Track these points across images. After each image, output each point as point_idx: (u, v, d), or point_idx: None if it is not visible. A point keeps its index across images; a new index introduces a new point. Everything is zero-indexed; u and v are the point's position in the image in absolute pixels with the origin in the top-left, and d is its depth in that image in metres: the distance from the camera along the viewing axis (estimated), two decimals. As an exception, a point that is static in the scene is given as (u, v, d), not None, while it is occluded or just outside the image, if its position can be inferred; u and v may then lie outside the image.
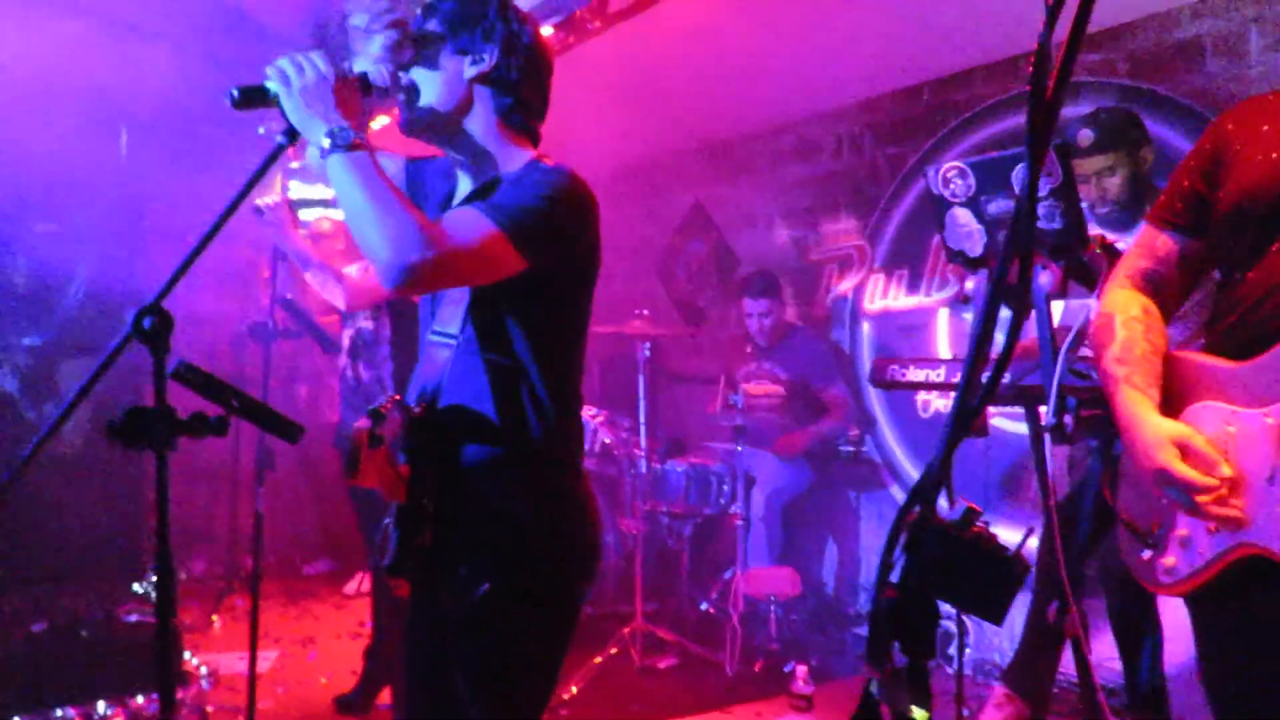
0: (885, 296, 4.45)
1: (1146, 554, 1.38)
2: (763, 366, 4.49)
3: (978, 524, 0.94)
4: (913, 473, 4.23)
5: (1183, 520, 1.34)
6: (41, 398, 4.96)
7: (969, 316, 3.93)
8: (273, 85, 1.38)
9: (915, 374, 2.62)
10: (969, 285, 2.30)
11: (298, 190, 5.39)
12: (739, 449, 3.94)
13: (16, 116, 4.31)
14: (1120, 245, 2.21)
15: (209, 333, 5.11)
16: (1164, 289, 1.51)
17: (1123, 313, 1.46)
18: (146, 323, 1.40)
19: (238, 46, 4.81)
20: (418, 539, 1.42)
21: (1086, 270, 2.12)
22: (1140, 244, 1.54)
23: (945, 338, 4.17)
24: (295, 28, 4.64)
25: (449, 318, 1.51)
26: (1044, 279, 2.15)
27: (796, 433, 4.30)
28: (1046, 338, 2.11)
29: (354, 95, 1.40)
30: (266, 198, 2.98)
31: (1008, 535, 1.32)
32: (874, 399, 4.47)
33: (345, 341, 3.23)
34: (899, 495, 4.29)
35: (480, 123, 1.50)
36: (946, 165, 2.26)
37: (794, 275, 4.89)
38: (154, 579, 5.05)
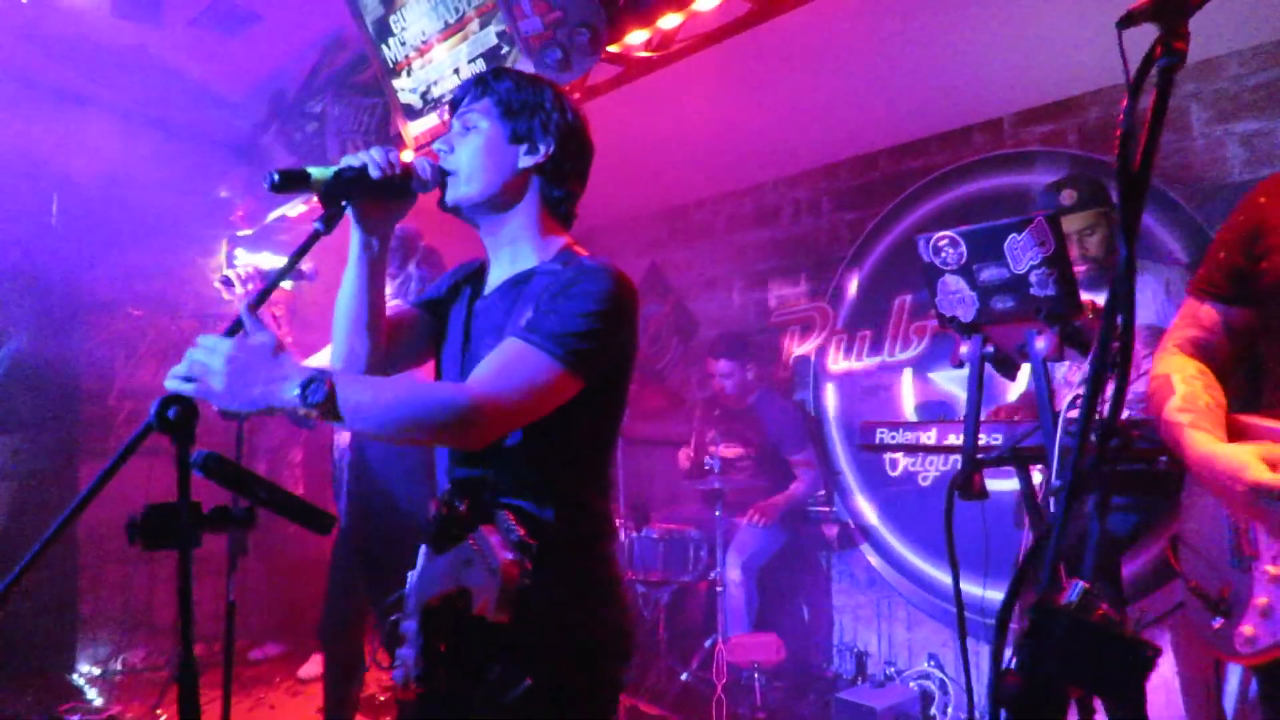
0: (849, 357, 4.50)
1: (1218, 622, 1.36)
2: (732, 429, 4.47)
3: (1099, 605, 0.93)
4: (884, 532, 4.25)
5: (1262, 587, 1.32)
6: (-42, 475, 4.69)
7: (936, 376, 4.04)
8: (317, 171, 1.37)
9: (905, 436, 2.65)
10: (963, 350, 2.34)
11: (245, 258, 5.28)
12: (717, 514, 3.91)
13: None
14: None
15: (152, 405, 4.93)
16: (1215, 355, 1.55)
17: (1180, 372, 1.49)
18: (171, 413, 1.32)
19: (187, 113, 4.72)
20: (446, 642, 1.35)
21: (1080, 335, 2.18)
22: (1185, 315, 1.58)
23: (910, 397, 4.22)
24: (249, 94, 4.58)
25: None
26: (1040, 344, 2.20)
27: (772, 498, 4.29)
28: (1045, 400, 2.16)
29: (379, 209, 1.44)
30: (239, 268, 2.88)
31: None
32: (842, 459, 4.49)
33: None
34: (870, 555, 4.30)
35: (526, 211, 1.50)
36: (937, 234, 2.30)
37: (754, 337, 4.91)
38: (88, 671, 4.74)
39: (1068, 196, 2.80)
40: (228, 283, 2.87)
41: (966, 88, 3.68)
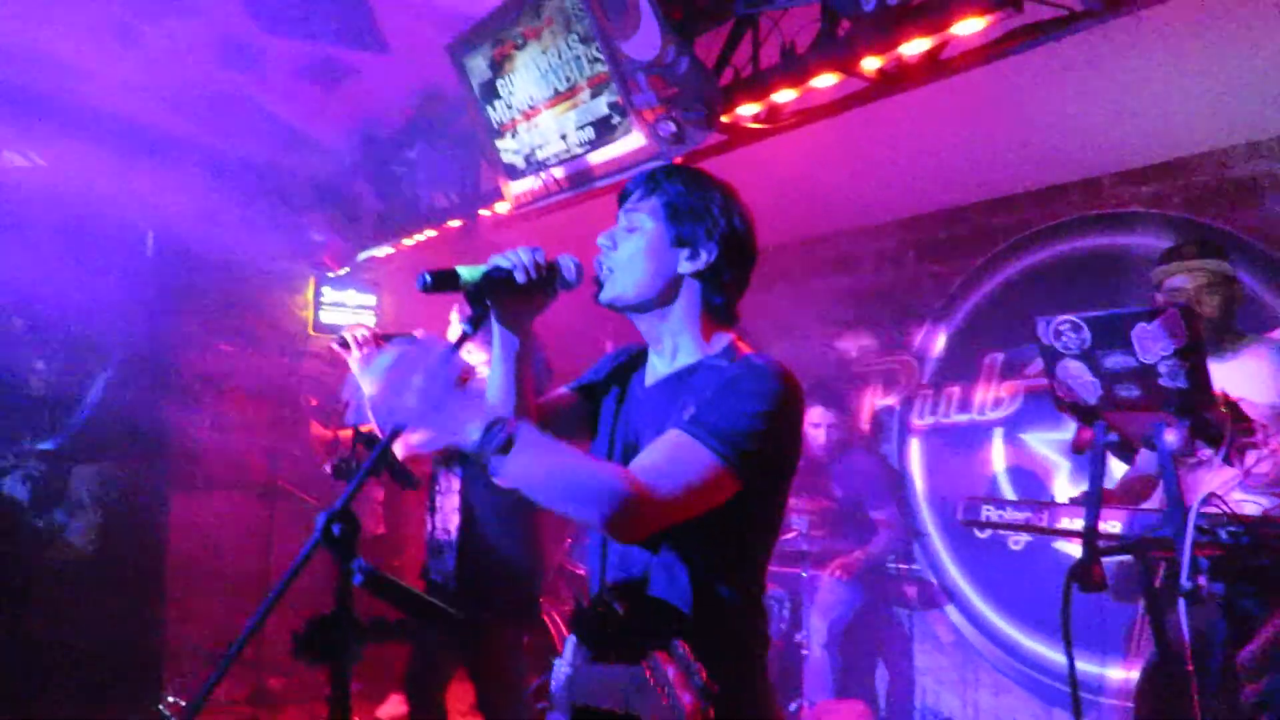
0: (935, 414, 4.43)
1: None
2: (817, 482, 4.40)
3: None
4: (970, 594, 4.16)
5: None
6: (51, 505, 4.82)
7: (1029, 439, 3.92)
8: (466, 272, 1.38)
9: (1013, 515, 2.58)
10: (1085, 436, 2.28)
11: (331, 296, 5.38)
12: (803, 574, 3.86)
13: (41, 224, 4.29)
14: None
15: (239, 439, 5.03)
16: None
17: None
18: (336, 529, 1.33)
19: (279, 156, 4.84)
20: None
21: (1211, 427, 2.11)
22: None
23: (1001, 459, 4.14)
24: (341, 139, 4.68)
25: None
26: (1170, 437, 2.13)
27: (853, 554, 4.19)
28: (1175, 496, 2.09)
29: (527, 303, 1.45)
30: (356, 330, 2.93)
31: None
32: (926, 516, 4.42)
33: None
34: (954, 616, 4.21)
35: (683, 312, 1.49)
36: (1059, 319, 2.25)
37: (833, 386, 4.85)
38: (174, 701, 4.82)
39: (1189, 250, 2.71)
40: (344, 344, 2.90)
41: (1064, 145, 3.60)
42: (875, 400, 4.73)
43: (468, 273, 1.40)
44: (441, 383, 1.23)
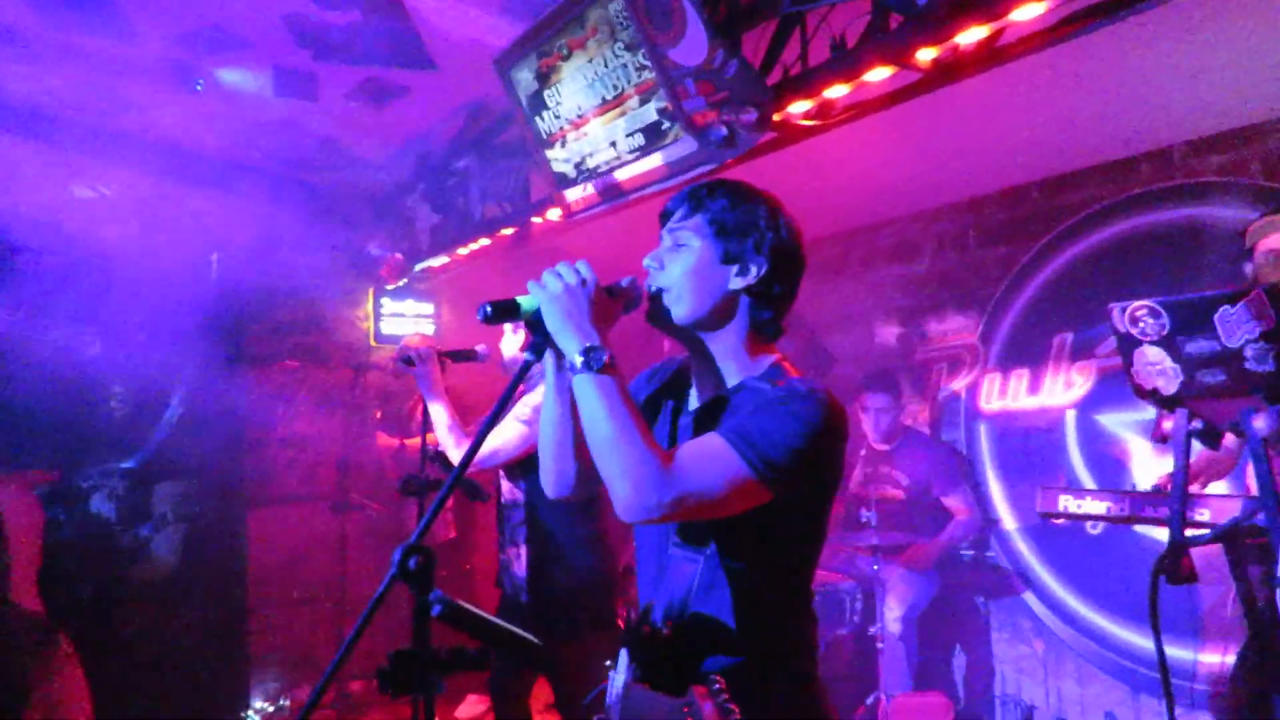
0: (1004, 396, 4.34)
1: None
2: (879, 470, 4.36)
3: None
4: (1049, 581, 4.07)
5: None
6: (136, 521, 5.00)
7: (1104, 420, 3.80)
8: (526, 301, 1.39)
9: (1092, 506, 2.51)
10: (1167, 425, 2.22)
11: (390, 307, 5.46)
12: (875, 568, 3.82)
13: (111, 253, 4.44)
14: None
15: (310, 453, 5.15)
16: None
17: None
18: (412, 563, 1.35)
19: (335, 175, 4.92)
20: None
21: (1304, 412, 2.02)
22: None
23: (1074, 441, 4.04)
24: (394, 156, 4.73)
25: (692, 530, 1.47)
26: (1259, 423, 2.04)
27: (926, 544, 4.14)
28: (1266, 483, 2.01)
29: (610, 306, 1.42)
30: (417, 344, 2.97)
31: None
32: (998, 502, 4.33)
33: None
34: (1034, 603, 4.12)
35: (733, 331, 1.49)
36: (1134, 305, 2.17)
37: (898, 374, 4.77)
38: (261, 708, 4.98)
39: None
40: (407, 361, 2.95)
41: (1132, 116, 3.46)
42: (940, 385, 4.67)
43: (527, 302, 1.40)
44: (584, 300, 1.36)
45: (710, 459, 1.32)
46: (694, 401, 1.54)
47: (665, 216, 1.55)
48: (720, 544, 1.42)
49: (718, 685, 1.30)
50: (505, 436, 2.79)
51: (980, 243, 4.55)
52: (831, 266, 5.23)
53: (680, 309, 1.47)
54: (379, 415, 5.25)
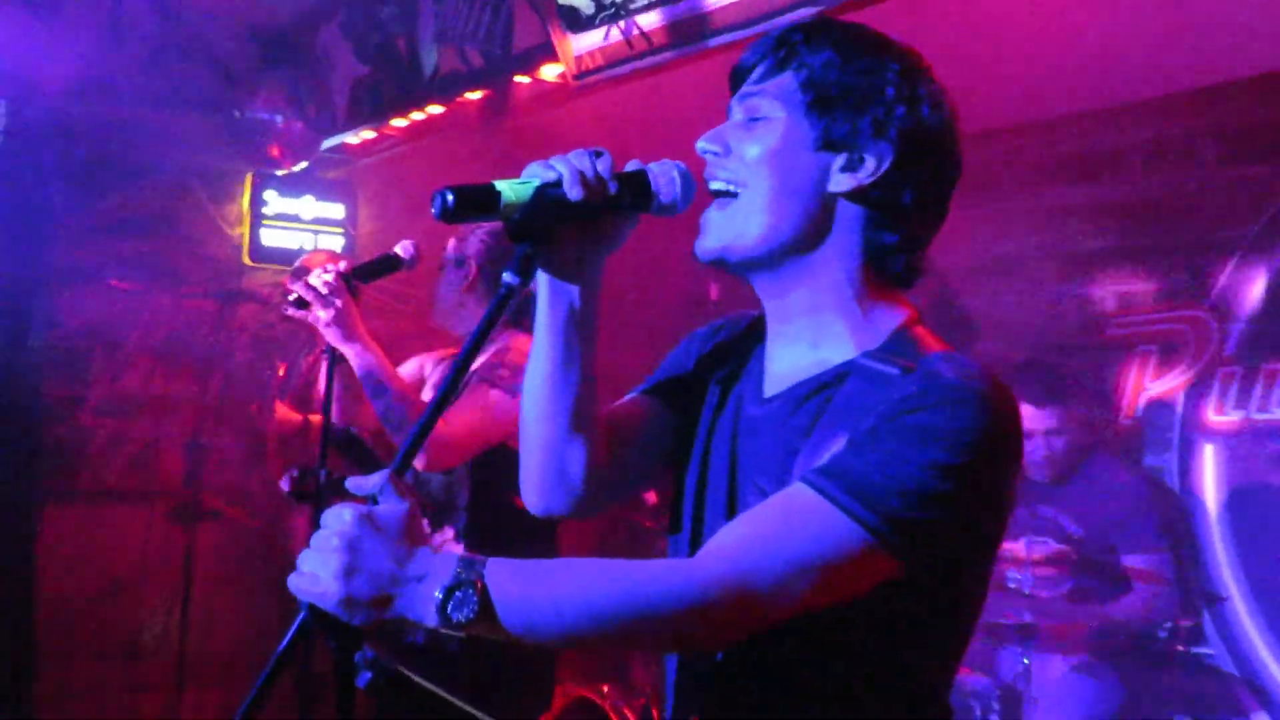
0: (1246, 404, 4.35)
1: None
2: (1038, 514, 4.32)
3: None
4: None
5: None
6: None
7: None
8: (511, 190, 1.42)
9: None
10: None
11: (279, 206, 5.40)
12: (1025, 661, 3.81)
13: None
14: None
15: (143, 426, 5.12)
16: None
17: None
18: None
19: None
20: None
21: None
22: None
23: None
24: None
25: None
26: None
27: (1090, 623, 4.10)
28: None
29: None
30: (319, 275, 2.96)
31: None
32: (1226, 569, 4.32)
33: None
34: (1270, 727, 4.12)
35: (833, 265, 1.50)
36: None
37: (1075, 362, 4.78)
38: None
39: None
40: (301, 303, 2.94)
41: None
42: (1143, 382, 4.66)
43: (511, 189, 1.42)
44: (377, 540, 1.27)
45: (796, 531, 1.32)
46: (772, 383, 1.55)
47: (738, 76, 1.57)
48: (806, 634, 1.42)
49: None
50: (476, 417, 2.86)
51: (1220, 157, 4.51)
52: (975, 182, 5.12)
53: (750, 227, 1.48)
54: (282, 372, 5.16)
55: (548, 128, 4.51)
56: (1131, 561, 4.20)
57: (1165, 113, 4.67)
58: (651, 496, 4.64)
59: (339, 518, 1.26)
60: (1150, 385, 4.63)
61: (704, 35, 3.17)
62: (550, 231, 1.45)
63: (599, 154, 1.46)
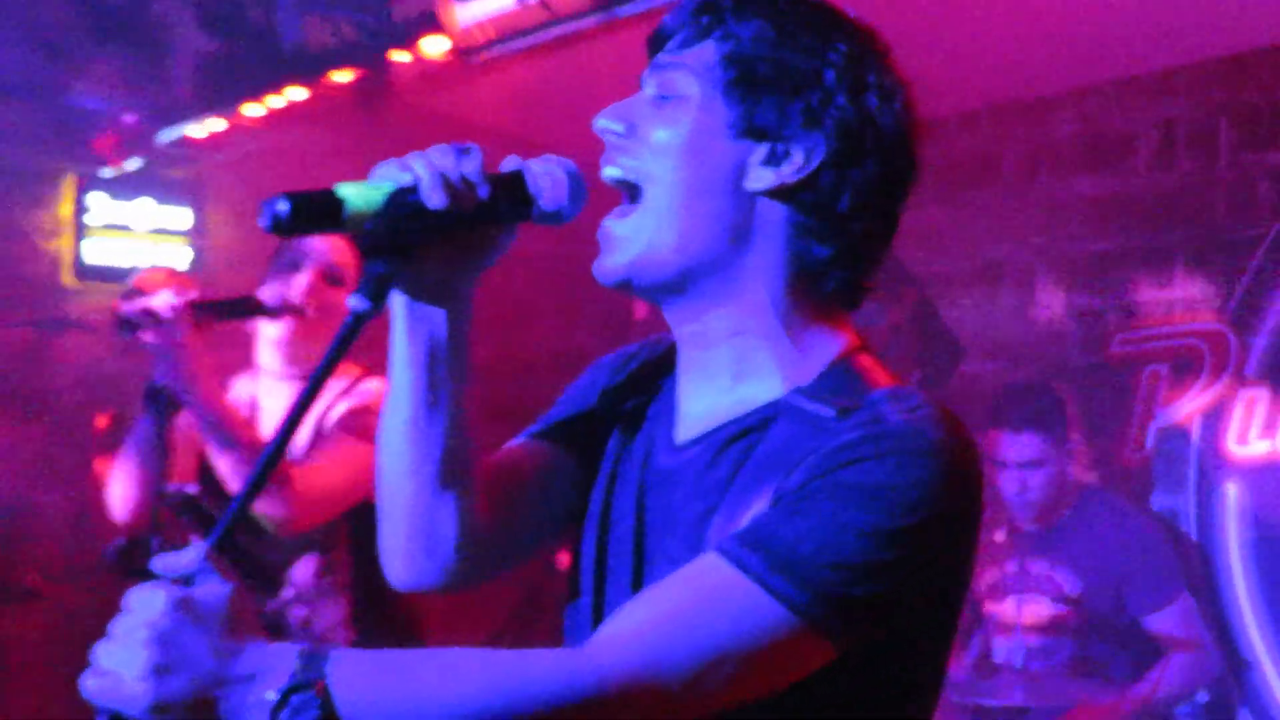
0: (1274, 432, 4.38)
1: None
2: (1029, 570, 4.29)
3: None
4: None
5: None
6: None
7: None
8: (357, 196, 1.38)
9: None
10: None
11: (107, 213, 5.30)
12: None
13: None
14: None
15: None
16: None
17: None
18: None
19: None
20: None
21: None
22: None
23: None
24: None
25: None
26: None
27: (1105, 703, 4.06)
28: None
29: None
30: (157, 296, 2.92)
31: None
32: (1255, 632, 4.33)
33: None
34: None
35: (758, 279, 1.48)
36: None
37: (1076, 384, 4.78)
38: None
39: None
40: (127, 324, 2.89)
41: None
42: (1153, 407, 4.69)
43: (359, 196, 1.38)
44: (195, 631, 1.25)
45: (711, 612, 1.31)
46: (686, 426, 1.54)
47: (655, 43, 1.55)
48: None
49: None
50: (343, 476, 2.93)
51: (1242, 140, 4.57)
52: (956, 174, 5.17)
53: (663, 235, 1.46)
54: (105, 424, 5.06)
55: (447, 111, 4.45)
56: (1154, 620, 4.19)
57: (1178, 88, 4.72)
58: (565, 559, 4.56)
59: (147, 603, 1.22)
60: (1162, 411, 4.66)
61: (609, 3, 3.18)
62: (407, 246, 1.41)
63: (466, 151, 1.42)
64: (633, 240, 1.47)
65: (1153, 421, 4.65)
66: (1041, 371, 4.70)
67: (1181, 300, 4.65)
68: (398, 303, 1.49)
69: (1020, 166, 5.12)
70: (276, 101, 4.49)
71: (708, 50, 1.47)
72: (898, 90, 1.49)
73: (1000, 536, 4.41)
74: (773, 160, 1.44)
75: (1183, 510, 4.54)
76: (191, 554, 1.27)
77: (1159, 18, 4.29)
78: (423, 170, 1.38)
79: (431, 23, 3.87)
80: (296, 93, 4.43)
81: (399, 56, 4.11)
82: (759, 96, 1.45)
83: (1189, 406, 4.58)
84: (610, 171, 1.50)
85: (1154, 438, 4.65)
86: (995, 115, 5.14)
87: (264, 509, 2.94)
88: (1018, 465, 4.27)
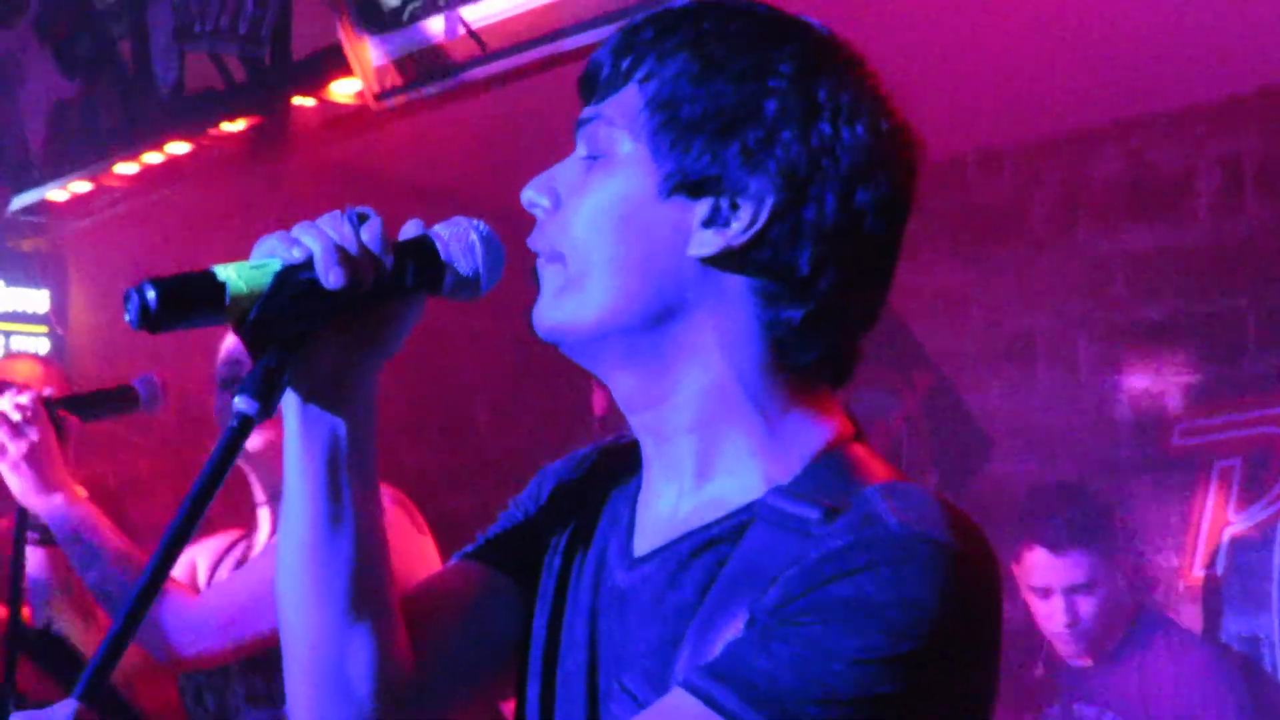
0: None
1: None
2: (1076, 715, 4.38)
3: None
4: None
5: None
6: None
7: None
8: (239, 279, 1.40)
9: None
10: None
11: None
12: None
13: None
14: None
15: None
16: None
17: None
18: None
19: None
20: None
21: None
22: None
23: None
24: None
25: None
26: None
27: None
28: None
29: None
30: (9, 398, 3.05)
31: None
32: None
33: None
34: None
35: (720, 355, 1.51)
36: None
37: (1128, 485, 4.78)
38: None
39: None
40: None
41: None
42: (1225, 513, 4.69)
43: (241, 277, 1.40)
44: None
45: None
46: (640, 543, 1.56)
47: (585, 89, 1.58)
48: None
49: None
50: (240, 593, 3.03)
51: None
52: (981, 225, 5.15)
53: (586, 306, 1.50)
54: None
55: (359, 161, 4.46)
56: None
57: (1245, 118, 4.76)
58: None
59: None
60: (1235, 518, 4.64)
61: (558, 32, 3.33)
62: (299, 335, 1.43)
63: (364, 217, 1.45)
64: (555, 305, 1.52)
65: (1225, 529, 4.64)
66: (1085, 470, 4.65)
67: (1255, 379, 4.66)
68: (289, 401, 1.50)
69: (1054, 216, 5.16)
70: (153, 157, 4.49)
71: (630, 95, 1.50)
72: (861, 107, 1.47)
73: (1039, 673, 4.41)
74: (716, 219, 1.46)
75: (1266, 635, 4.54)
76: (61, 710, 1.24)
77: (1218, 39, 4.34)
78: (314, 243, 1.39)
79: (337, 60, 3.86)
80: (177, 146, 4.45)
81: (301, 102, 4.14)
82: (688, 144, 1.47)
83: (1268, 511, 4.57)
84: (538, 249, 1.54)
85: (1226, 550, 4.64)
86: (1023, 154, 5.18)
87: (148, 642, 2.98)
88: (1063, 591, 4.30)
